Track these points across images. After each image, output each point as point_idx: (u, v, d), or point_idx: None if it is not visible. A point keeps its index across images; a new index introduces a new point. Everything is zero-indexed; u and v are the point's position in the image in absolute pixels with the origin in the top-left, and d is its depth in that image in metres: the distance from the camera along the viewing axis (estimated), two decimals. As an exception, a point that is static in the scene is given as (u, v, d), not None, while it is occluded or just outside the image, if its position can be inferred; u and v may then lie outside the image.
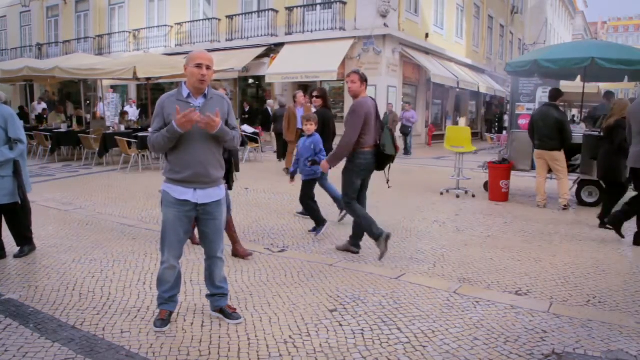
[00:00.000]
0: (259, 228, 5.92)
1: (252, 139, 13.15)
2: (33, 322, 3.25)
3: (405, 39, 17.59)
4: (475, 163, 10.32)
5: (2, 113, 4.39)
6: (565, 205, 7.27)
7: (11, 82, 19.47)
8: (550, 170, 7.50)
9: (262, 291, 3.89)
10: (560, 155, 7.27)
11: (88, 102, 23.58)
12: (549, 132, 7.21)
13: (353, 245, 5.00)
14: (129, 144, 11.05)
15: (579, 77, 9.88)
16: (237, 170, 4.84)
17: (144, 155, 11.37)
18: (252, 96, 21.10)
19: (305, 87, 16.44)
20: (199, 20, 20.98)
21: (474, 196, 8.34)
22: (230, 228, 4.68)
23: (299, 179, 5.89)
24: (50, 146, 12.68)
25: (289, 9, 18.09)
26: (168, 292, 3.25)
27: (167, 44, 21.74)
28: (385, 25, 16.61)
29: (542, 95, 10.52)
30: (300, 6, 18.08)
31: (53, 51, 26.35)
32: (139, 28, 22.85)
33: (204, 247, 3.32)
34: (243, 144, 11.34)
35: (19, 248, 4.70)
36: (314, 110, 7.20)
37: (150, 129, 3.28)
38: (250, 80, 20.73)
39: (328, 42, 17.14)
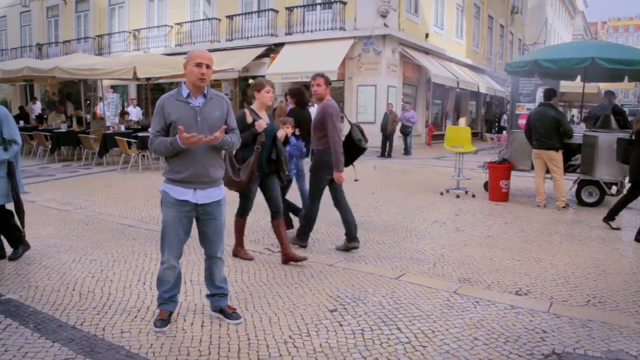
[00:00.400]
0: (259, 228, 5.92)
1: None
2: (33, 322, 3.25)
3: (405, 39, 17.61)
4: (475, 163, 10.33)
5: None
6: (564, 206, 7.27)
7: (11, 82, 19.52)
8: (548, 170, 7.50)
9: (262, 291, 3.89)
10: (557, 156, 7.27)
11: (88, 102, 23.59)
12: (546, 131, 7.22)
13: (351, 242, 5.02)
14: (129, 144, 11.05)
15: (579, 77, 9.88)
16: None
17: (144, 155, 11.38)
18: (252, 96, 21.06)
19: (306, 87, 16.41)
20: (199, 20, 20.99)
21: (474, 196, 8.34)
22: (240, 231, 4.71)
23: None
24: (50, 146, 12.67)
25: (289, 9, 18.10)
26: (168, 292, 3.26)
27: (167, 44, 21.74)
28: (385, 25, 16.62)
29: (542, 95, 10.51)
30: (300, 6, 18.09)
31: (53, 51, 26.36)
32: (139, 28, 22.85)
33: (204, 247, 3.32)
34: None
35: (12, 250, 4.65)
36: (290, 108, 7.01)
37: (150, 129, 3.29)
38: (250, 81, 20.69)
39: (328, 42, 17.15)
